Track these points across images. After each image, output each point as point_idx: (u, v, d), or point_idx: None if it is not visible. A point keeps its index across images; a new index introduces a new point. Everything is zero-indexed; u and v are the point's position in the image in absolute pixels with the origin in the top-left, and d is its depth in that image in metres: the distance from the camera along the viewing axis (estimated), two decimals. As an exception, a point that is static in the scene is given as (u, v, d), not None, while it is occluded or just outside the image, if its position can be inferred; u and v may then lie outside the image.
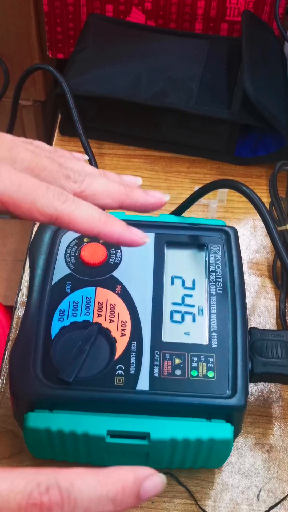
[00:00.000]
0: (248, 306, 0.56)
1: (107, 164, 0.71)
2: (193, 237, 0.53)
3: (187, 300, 0.50)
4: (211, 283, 0.50)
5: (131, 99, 0.67)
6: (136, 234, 0.36)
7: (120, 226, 0.35)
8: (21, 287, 0.60)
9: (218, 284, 0.50)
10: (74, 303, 0.48)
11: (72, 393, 0.44)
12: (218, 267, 0.51)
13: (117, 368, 0.45)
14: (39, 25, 0.88)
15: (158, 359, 0.46)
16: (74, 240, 0.52)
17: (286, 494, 0.49)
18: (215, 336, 0.47)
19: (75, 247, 0.52)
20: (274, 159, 0.68)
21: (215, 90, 0.69)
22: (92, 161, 0.66)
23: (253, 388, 0.54)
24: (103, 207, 0.35)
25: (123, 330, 0.47)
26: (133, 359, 0.46)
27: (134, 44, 0.73)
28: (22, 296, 0.59)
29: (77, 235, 0.53)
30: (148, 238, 0.37)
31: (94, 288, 0.49)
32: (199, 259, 0.52)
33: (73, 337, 0.46)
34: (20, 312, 0.58)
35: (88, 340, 0.46)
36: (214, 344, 0.47)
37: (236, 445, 0.51)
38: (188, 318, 0.49)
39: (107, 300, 0.49)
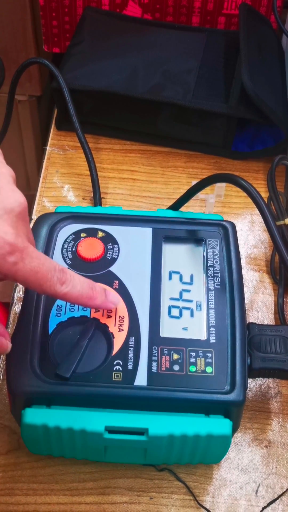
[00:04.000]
0: (246, 301, 0.56)
1: (104, 159, 0.70)
2: (191, 232, 0.53)
3: (185, 295, 0.49)
4: (209, 278, 0.50)
5: (128, 93, 0.67)
6: (111, 302, 0.46)
7: (100, 300, 0.45)
8: (18, 283, 0.59)
9: (216, 279, 0.50)
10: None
11: (69, 389, 0.44)
12: (216, 262, 0.51)
13: (115, 363, 0.45)
14: (35, 19, 0.87)
15: (156, 354, 0.45)
16: (71, 235, 0.52)
17: (284, 490, 0.49)
18: (214, 331, 0.47)
19: (72, 242, 0.51)
20: (271, 154, 0.68)
21: (212, 83, 0.69)
22: (89, 156, 0.66)
23: (252, 383, 0.54)
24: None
25: (120, 325, 0.47)
26: (131, 355, 0.45)
27: (130, 37, 0.73)
28: (19, 292, 0.59)
29: (74, 230, 0.52)
30: (119, 302, 0.48)
31: (92, 283, 0.49)
32: (197, 254, 0.52)
33: (71, 332, 0.46)
34: (17, 308, 0.58)
35: (86, 336, 0.46)
36: (213, 339, 0.46)
37: (234, 440, 0.51)
38: (186, 313, 0.48)
39: (104, 295, 0.48)
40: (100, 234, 0.52)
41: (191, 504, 0.48)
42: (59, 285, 0.41)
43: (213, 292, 0.49)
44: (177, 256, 0.52)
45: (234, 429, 0.45)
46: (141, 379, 0.44)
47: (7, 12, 0.86)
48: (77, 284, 0.43)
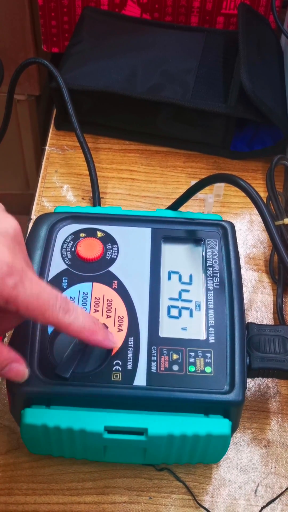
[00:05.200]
0: (245, 301, 0.56)
1: (103, 159, 0.70)
2: (190, 232, 0.53)
3: (184, 295, 0.49)
4: (208, 278, 0.50)
5: (127, 93, 0.67)
6: (112, 342, 0.44)
7: (102, 336, 0.43)
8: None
9: (215, 279, 0.50)
10: (71, 299, 0.48)
11: (69, 389, 0.44)
12: (215, 262, 0.51)
13: (114, 363, 0.45)
14: (34, 18, 0.87)
15: (155, 354, 0.45)
16: (70, 235, 0.52)
17: (283, 489, 0.49)
18: (213, 331, 0.47)
19: (71, 242, 0.51)
20: (270, 153, 0.68)
21: (211, 83, 0.69)
22: (88, 156, 0.66)
23: (251, 383, 0.54)
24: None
25: (120, 325, 0.47)
26: (130, 355, 0.45)
27: (129, 37, 0.73)
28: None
29: (73, 230, 0.52)
30: (118, 343, 0.46)
31: (91, 283, 0.49)
32: (196, 254, 0.52)
33: (70, 332, 0.46)
34: (16, 307, 0.58)
35: (85, 336, 0.46)
36: (212, 339, 0.46)
37: (233, 440, 0.51)
38: (185, 313, 0.48)
39: (103, 295, 0.48)
40: (99, 234, 0.52)
41: (191, 504, 0.48)
42: (62, 314, 0.39)
43: (212, 292, 0.49)
44: (176, 256, 0.52)
45: (233, 429, 0.45)
46: (140, 379, 0.44)
47: (6, 12, 0.86)
48: (80, 315, 0.41)
